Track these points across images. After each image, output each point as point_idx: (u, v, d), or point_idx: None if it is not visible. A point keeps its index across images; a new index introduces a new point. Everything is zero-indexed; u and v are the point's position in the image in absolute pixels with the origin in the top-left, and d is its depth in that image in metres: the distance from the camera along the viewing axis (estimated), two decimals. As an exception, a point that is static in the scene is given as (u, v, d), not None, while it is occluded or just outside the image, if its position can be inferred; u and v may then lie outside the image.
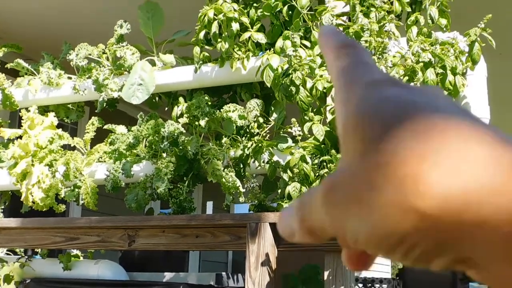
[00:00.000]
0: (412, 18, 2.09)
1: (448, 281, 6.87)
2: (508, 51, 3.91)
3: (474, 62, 2.03)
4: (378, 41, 1.94)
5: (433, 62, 1.93)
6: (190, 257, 6.01)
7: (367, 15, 2.05)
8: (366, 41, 1.97)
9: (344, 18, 2.18)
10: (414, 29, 2.05)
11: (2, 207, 3.17)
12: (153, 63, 2.73)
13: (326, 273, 2.15)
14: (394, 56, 1.95)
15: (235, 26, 2.38)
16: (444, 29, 2.09)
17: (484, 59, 2.12)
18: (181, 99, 2.66)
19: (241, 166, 2.37)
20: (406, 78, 1.92)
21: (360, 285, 8.69)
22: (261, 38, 2.39)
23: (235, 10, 2.37)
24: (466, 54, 2.02)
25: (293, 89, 2.06)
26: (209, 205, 5.76)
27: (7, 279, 2.98)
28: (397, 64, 1.93)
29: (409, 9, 2.16)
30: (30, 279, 3.04)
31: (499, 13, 2.55)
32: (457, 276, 7.08)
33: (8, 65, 3.08)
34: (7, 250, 3.37)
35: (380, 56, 1.93)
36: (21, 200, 2.84)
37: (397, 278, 8.77)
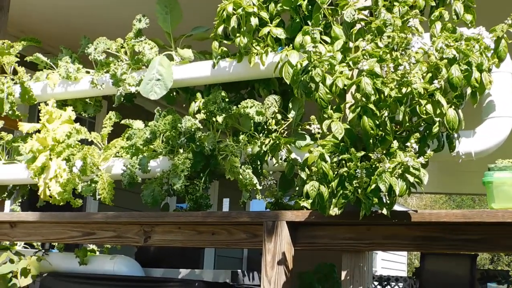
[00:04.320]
0: (436, 13, 2.03)
1: (466, 280, 6.78)
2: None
3: (500, 59, 1.97)
4: (401, 36, 1.89)
5: (457, 59, 1.87)
6: (205, 253, 6.00)
7: (390, 10, 2.00)
8: (388, 37, 1.92)
9: (366, 12, 2.13)
10: (438, 25, 1.99)
11: (20, 201, 3.18)
12: (171, 58, 2.70)
13: (343, 273, 2.11)
14: (416, 52, 1.90)
15: (254, 21, 2.34)
16: (469, 25, 2.03)
17: (511, 56, 2.06)
18: (198, 95, 2.63)
19: (258, 163, 2.33)
20: (430, 75, 1.87)
21: (376, 283, 8.64)
22: (280, 33, 2.35)
23: (254, 4, 2.33)
24: (492, 51, 1.96)
25: (313, 86, 2.01)
26: (226, 202, 5.75)
27: (24, 272, 2.98)
28: (420, 60, 1.88)
29: (433, 3, 2.10)
30: (47, 273, 3.05)
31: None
32: (475, 276, 6.99)
33: (28, 58, 3.08)
34: (24, 244, 3.38)
35: (403, 52, 1.88)
36: (38, 194, 2.84)
37: (413, 277, 8.71)
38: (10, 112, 3.03)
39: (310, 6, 2.32)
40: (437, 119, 1.87)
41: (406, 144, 1.85)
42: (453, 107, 1.87)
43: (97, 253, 3.20)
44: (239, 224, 2.27)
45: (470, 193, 14.79)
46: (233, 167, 2.29)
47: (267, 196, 2.32)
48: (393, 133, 1.88)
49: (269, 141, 2.27)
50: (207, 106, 2.47)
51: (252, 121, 2.36)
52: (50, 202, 2.82)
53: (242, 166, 2.30)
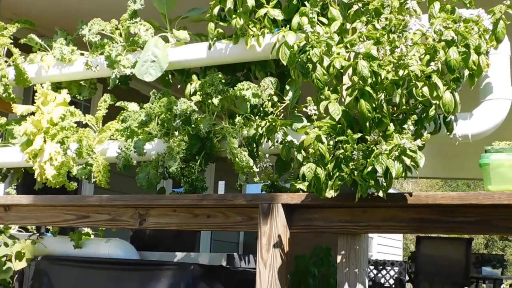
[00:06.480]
0: (435, -7, 2.01)
1: (461, 264, 6.80)
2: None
3: (498, 40, 1.95)
4: (399, 18, 1.86)
5: (456, 41, 1.85)
6: (201, 237, 6.00)
7: (388, -9, 1.98)
8: (386, 19, 1.89)
9: (364, -7, 2.10)
10: (437, 5, 1.97)
11: (15, 184, 3.16)
12: (166, 40, 2.67)
13: (339, 256, 2.11)
14: (414, 34, 1.87)
15: (250, 2, 2.31)
16: (468, 5, 2.01)
17: (508, 37, 2.04)
18: (194, 77, 2.61)
19: (254, 145, 2.32)
20: (427, 57, 1.85)
21: (372, 267, 8.67)
22: (277, 14, 2.33)
23: (250, -15, 2.30)
24: (490, 33, 1.95)
25: (310, 66, 1.99)
26: (221, 184, 5.73)
27: (19, 256, 2.98)
28: (418, 43, 1.85)
29: (431, -16, 2.07)
30: (41, 257, 3.04)
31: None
32: (470, 260, 7.01)
33: (22, 40, 3.05)
34: (19, 227, 3.37)
35: (400, 35, 1.86)
36: (35, 177, 2.82)
37: (409, 261, 8.75)
38: (4, 95, 3.00)
39: (307, -13, 2.29)
40: (434, 101, 1.85)
41: (403, 127, 1.83)
42: (449, 90, 1.85)
43: (92, 236, 3.20)
44: (235, 206, 2.26)
45: (465, 178, 14.82)
46: (233, 148, 2.28)
47: (263, 178, 2.30)
48: (390, 116, 1.87)
49: (266, 124, 2.25)
50: (203, 88, 2.45)
51: (248, 103, 2.35)
52: (46, 185, 2.81)
53: (238, 149, 2.28)
